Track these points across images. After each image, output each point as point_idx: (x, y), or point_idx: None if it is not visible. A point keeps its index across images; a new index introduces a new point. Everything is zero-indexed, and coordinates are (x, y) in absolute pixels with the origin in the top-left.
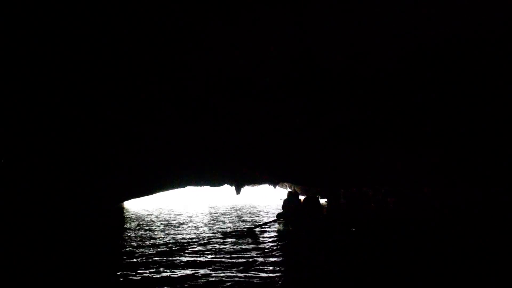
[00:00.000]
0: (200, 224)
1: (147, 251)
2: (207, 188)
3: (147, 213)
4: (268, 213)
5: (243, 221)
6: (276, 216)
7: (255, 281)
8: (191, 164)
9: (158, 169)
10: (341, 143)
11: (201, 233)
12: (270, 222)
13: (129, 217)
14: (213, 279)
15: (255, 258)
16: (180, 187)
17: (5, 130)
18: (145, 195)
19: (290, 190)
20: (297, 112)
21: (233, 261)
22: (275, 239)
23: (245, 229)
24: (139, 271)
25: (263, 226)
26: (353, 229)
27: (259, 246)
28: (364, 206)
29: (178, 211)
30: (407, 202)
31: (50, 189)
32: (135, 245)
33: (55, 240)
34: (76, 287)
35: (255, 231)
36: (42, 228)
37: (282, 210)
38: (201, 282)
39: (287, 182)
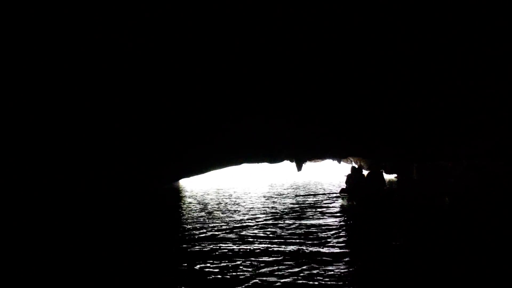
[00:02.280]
0: (258, 204)
1: (204, 228)
2: (265, 165)
3: (202, 192)
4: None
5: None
6: (339, 192)
7: (321, 258)
8: (248, 138)
9: (211, 145)
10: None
11: (260, 212)
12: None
13: (184, 196)
14: (286, 256)
15: (320, 234)
16: (236, 164)
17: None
18: (198, 174)
19: (355, 165)
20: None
21: (301, 239)
22: (340, 214)
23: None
24: (198, 245)
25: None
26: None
27: (323, 222)
28: (441, 181)
29: (234, 190)
30: (495, 178)
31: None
32: (191, 222)
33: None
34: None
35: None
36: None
37: (345, 186)
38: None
39: (353, 156)
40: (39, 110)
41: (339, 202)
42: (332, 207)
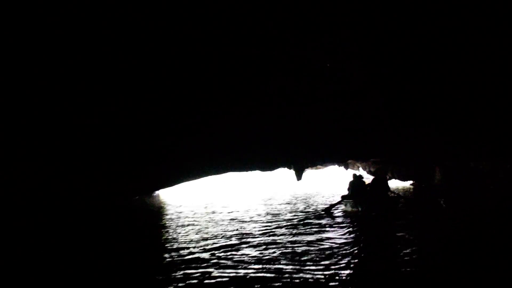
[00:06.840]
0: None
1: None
2: (257, 174)
3: (182, 208)
4: None
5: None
6: (341, 197)
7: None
8: (232, 141)
9: (189, 149)
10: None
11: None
12: (338, 203)
13: (161, 214)
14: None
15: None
16: (218, 173)
17: None
18: (173, 185)
19: (363, 171)
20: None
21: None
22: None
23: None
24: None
25: (334, 207)
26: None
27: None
28: (473, 187)
29: (225, 207)
30: None
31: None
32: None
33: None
34: None
35: (331, 212)
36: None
37: (347, 192)
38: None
39: (360, 160)
40: None
41: (342, 207)
42: (336, 213)
